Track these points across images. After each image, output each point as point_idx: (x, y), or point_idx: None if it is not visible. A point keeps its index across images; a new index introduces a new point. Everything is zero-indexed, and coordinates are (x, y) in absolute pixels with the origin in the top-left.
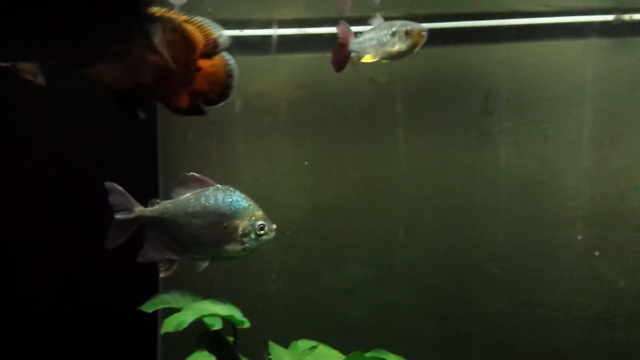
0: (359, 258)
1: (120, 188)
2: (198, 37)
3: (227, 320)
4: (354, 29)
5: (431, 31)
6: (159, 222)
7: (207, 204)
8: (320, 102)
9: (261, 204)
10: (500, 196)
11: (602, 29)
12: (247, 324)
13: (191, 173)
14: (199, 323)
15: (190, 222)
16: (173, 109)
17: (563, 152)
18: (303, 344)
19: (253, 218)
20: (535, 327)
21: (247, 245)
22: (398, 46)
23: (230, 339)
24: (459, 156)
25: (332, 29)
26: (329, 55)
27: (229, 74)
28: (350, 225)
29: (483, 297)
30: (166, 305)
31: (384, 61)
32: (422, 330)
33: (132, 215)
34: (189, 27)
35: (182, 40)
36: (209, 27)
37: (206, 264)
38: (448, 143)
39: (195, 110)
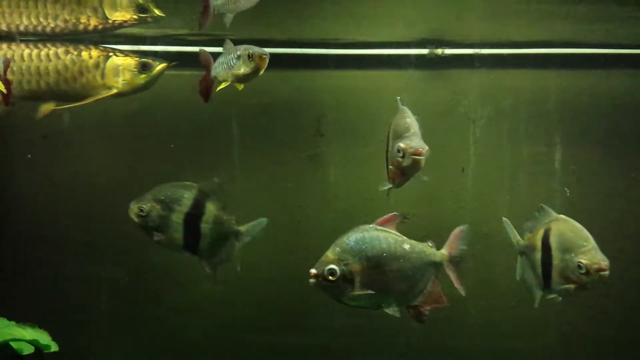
0: (195, 275)
1: None
2: None
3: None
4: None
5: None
6: None
7: None
8: (156, 120)
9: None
10: (330, 213)
11: (419, 62)
12: (54, 348)
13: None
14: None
15: None
16: None
17: (385, 173)
18: None
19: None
20: (373, 338)
21: None
22: (243, 69)
23: None
24: (292, 175)
25: (166, 47)
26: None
27: None
28: None
29: (322, 311)
30: None
31: (240, 86)
32: (260, 344)
33: None
34: None
35: None
36: None
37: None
38: (282, 162)
39: None
